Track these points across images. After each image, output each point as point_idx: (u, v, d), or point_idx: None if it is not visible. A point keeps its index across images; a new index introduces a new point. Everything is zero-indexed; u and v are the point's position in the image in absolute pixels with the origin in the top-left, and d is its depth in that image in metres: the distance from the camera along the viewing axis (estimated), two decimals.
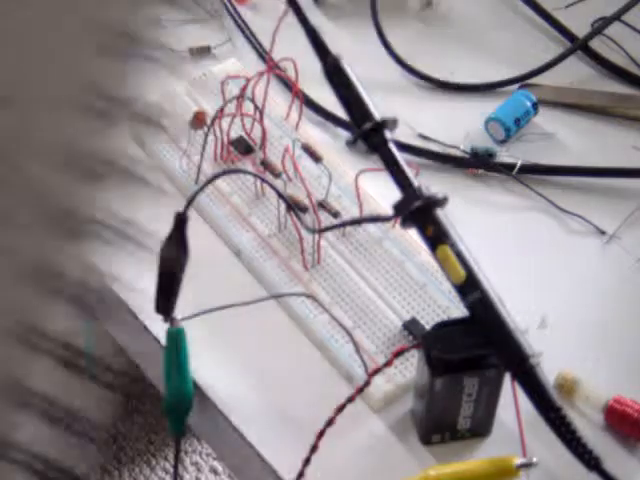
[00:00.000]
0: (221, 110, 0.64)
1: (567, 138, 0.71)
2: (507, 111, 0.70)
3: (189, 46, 0.75)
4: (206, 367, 0.57)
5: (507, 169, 0.67)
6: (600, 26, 0.75)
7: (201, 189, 0.52)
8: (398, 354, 0.52)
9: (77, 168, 0.30)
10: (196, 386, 0.56)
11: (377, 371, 0.52)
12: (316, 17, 0.78)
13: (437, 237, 0.51)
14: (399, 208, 0.53)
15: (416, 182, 0.53)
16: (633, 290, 0.62)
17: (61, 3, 0.29)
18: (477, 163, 0.68)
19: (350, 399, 0.51)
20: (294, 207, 0.59)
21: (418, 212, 0.52)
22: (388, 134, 0.54)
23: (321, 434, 0.51)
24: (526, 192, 0.67)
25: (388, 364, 0.52)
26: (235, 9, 0.78)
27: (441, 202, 0.52)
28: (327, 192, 0.64)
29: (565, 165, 0.68)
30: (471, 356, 0.50)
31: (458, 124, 0.71)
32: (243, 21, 0.77)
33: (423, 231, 0.52)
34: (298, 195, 0.63)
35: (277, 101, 0.70)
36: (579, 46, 0.75)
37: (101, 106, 0.30)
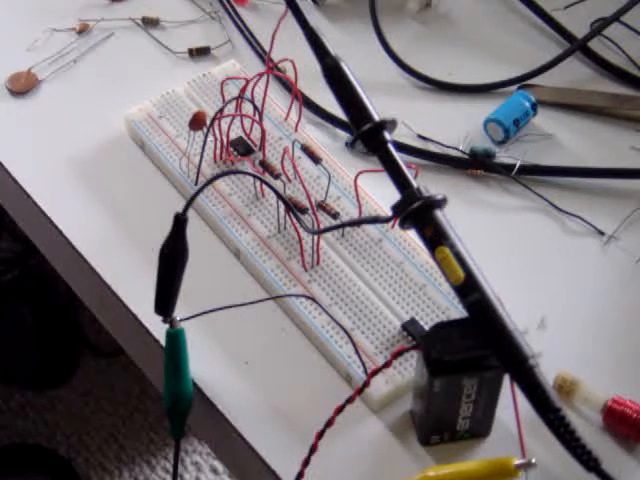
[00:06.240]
0: (221, 111, 0.64)
1: (566, 139, 0.71)
2: (506, 112, 0.70)
3: (189, 47, 0.75)
4: (206, 367, 0.57)
5: (506, 170, 0.67)
6: (599, 27, 0.75)
7: (201, 190, 0.52)
8: (397, 355, 0.52)
9: None
10: (196, 386, 0.57)
11: (376, 372, 0.52)
12: (315, 18, 0.78)
13: (436, 238, 0.51)
14: (398, 209, 0.53)
15: (415, 183, 0.53)
16: (632, 290, 0.62)
17: None
18: (476, 164, 0.68)
19: (349, 400, 0.51)
20: (293, 208, 0.59)
21: (417, 213, 0.52)
22: (387, 135, 0.54)
23: (320, 435, 0.51)
24: (525, 193, 0.67)
25: (387, 365, 0.52)
26: (235, 10, 0.78)
27: (440, 203, 0.52)
28: (326, 193, 0.64)
29: (564, 166, 0.68)
30: (470, 357, 0.50)
31: (457, 125, 0.71)
32: (243, 22, 0.77)
33: (422, 232, 0.52)
34: (297, 196, 0.63)
35: (276, 102, 0.70)
36: (578, 47, 0.75)
37: None
